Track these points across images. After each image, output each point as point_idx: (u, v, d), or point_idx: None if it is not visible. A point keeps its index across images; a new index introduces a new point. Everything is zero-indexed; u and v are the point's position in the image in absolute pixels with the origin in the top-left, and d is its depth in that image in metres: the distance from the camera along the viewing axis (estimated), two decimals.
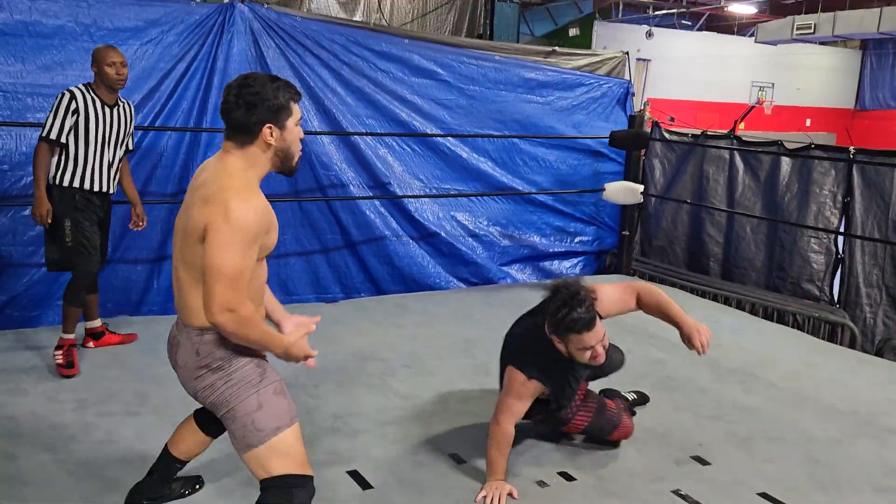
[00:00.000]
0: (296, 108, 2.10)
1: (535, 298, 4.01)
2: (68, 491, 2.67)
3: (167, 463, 2.56)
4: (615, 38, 17.31)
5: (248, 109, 2.00)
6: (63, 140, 3.61)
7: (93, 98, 3.68)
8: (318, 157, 5.37)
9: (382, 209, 5.72)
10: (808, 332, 5.24)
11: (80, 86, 3.69)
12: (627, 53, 7.09)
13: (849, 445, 3.33)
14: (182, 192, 4.93)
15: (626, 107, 6.72)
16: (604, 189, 6.28)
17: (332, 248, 5.61)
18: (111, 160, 3.81)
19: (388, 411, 3.51)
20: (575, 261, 6.73)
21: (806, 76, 20.99)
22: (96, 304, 4.10)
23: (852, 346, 5.06)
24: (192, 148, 4.93)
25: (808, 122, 21.23)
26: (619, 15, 19.27)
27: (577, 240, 6.69)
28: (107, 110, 3.73)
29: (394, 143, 5.74)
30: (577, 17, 18.25)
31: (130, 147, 4.00)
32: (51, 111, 3.62)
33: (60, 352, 3.75)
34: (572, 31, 17.99)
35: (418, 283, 5.86)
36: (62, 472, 2.80)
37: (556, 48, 6.89)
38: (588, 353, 2.67)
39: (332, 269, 5.64)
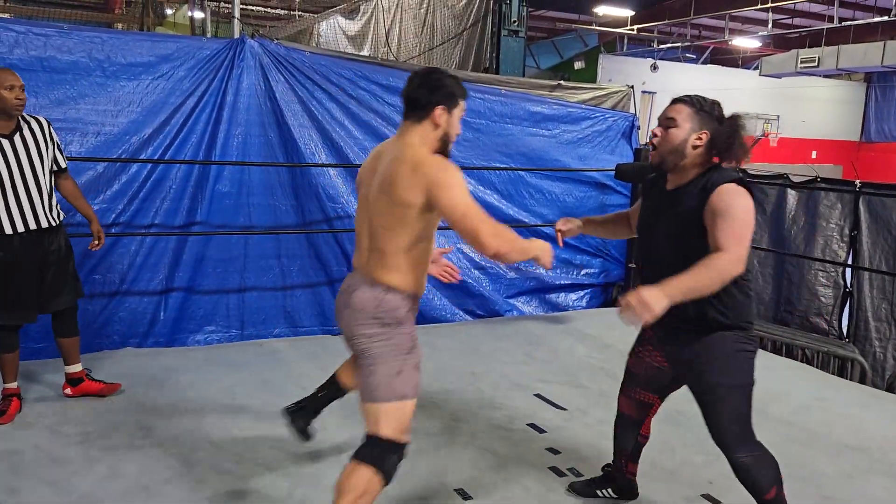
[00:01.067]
0: (462, 104, 2.49)
1: (541, 331, 3.99)
2: None
3: (335, 389, 3.06)
4: (620, 71, 17.48)
5: (429, 91, 2.39)
6: None
7: None
8: (325, 189, 5.40)
9: None
10: (817, 367, 5.19)
11: None
12: (632, 87, 7.14)
13: (861, 482, 3.28)
14: (191, 224, 4.96)
15: (631, 140, 6.76)
16: None
17: (339, 280, 5.61)
18: (32, 194, 3.43)
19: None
20: (581, 293, 6.72)
21: (811, 108, 21.09)
22: (75, 347, 3.81)
23: (862, 381, 5.01)
24: (201, 181, 4.97)
25: (813, 154, 21.28)
26: (624, 48, 19.48)
27: (583, 272, 6.68)
28: (4, 142, 3.36)
29: None
30: (583, 50, 18.48)
31: (62, 165, 3.63)
32: None
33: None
34: (577, 65, 18.20)
35: (424, 315, 5.85)
36: None
37: (562, 82, 6.96)
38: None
39: None
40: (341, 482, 2.33)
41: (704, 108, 2.47)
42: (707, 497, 3.10)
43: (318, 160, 5.34)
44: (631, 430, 2.90)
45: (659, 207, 2.57)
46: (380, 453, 2.34)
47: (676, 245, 2.46)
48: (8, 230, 3.39)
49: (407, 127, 2.42)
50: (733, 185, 2.36)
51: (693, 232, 2.39)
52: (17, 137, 3.42)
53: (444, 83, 2.42)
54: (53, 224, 3.56)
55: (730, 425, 2.50)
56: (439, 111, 2.39)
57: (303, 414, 3.07)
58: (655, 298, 2.17)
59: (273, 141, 5.21)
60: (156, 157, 4.76)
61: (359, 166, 5.46)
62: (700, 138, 2.45)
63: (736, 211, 2.30)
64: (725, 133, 2.43)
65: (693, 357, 2.51)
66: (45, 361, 4.35)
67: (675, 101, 2.53)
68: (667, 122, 2.50)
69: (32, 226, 3.46)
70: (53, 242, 3.59)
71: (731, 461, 2.53)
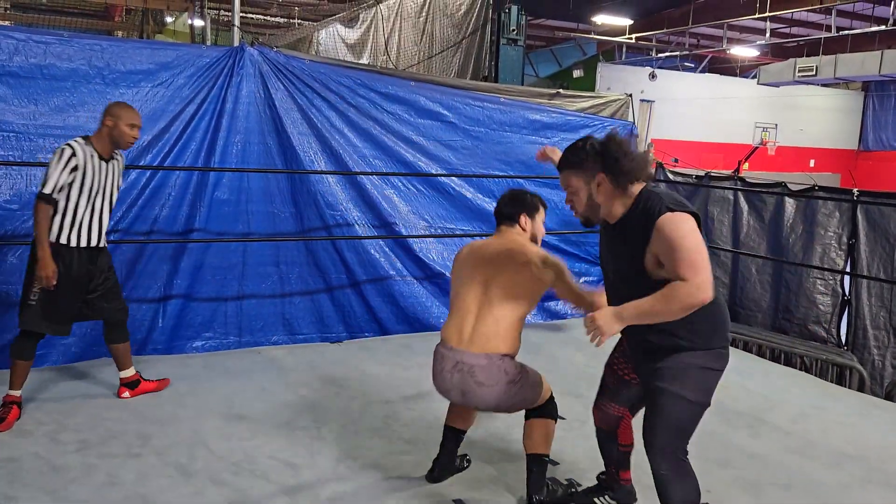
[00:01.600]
0: (542, 212, 3.19)
1: (539, 339, 3.99)
2: None
3: (453, 437, 3.20)
4: (619, 80, 17.54)
5: (514, 206, 3.13)
6: (55, 196, 3.53)
7: (91, 153, 3.62)
8: (324, 196, 5.41)
9: (387, 249, 5.74)
10: (815, 375, 5.19)
11: (80, 139, 3.63)
12: (631, 96, 7.17)
13: (859, 491, 3.28)
14: (190, 231, 4.97)
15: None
16: None
17: (337, 287, 5.62)
18: (101, 214, 3.73)
19: (391, 456, 3.47)
20: None
21: (809, 117, 21.15)
22: (128, 353, 4.01)
23: (861, 389, 5.01)
24: (200, 188, 4.98)
25: (811, 163, 21.33)
26: (623, 57, 19.54)
27: (582, 280, 6.68)
28: (103, 165, 3.68)
29: (399, 184, 5.79)
30: (581, 58, 18.54)
31: (114, 200, 3.88)
32: (50, 165, 3.53)
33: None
34: (576, 73, 18.25)
35: (423, 323, 5.85)
36: None
37: (561, 90, 6.98)
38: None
39: (336, 309, 5.64)
40: (531, 432, 3.00)
41: (584, 156, 2.49)
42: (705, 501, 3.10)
43: (317, 168, 5.35)
44: (608, 441, 2.93)
45: (610, 244, 2.60)
46: (553, 405, 3.09)
47: (628, 282, 2.47)
48: (73, 243, 3.64)
49: (503, 230, 3.13)
50: (668, 215, 2.31)
51: (642, 270, 2.39)
52: (111, 163, 3.75)
53: (525, 199, 3.16)
54: (104, 245, 3.84)
55: (662, 433, 2.47)
56: (523, 218, 3.11)
57: (445, 471, 3.26)
58: (608, 321, 2.32)
59: (272, 148, 5.22)
60: (155, 164, 4.76)
61: (357, 173, 5.51)
62: (599, 184, 2.47)
63: (681, 240, 2.28)
64: (611, 163, 2.42)
65: (657, 368, 2.50)
66: (42, 368, 4.34)
67: (559, 168, 2.61)
68: (568, 194, 2.57)
69: (94, 243, 3.73)
70: (103, 261, 3.85)
71: (653, 470, 2.49)
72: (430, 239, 5.88)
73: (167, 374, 4.38)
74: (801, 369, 5.32)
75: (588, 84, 17.41)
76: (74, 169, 3.55)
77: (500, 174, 6.12)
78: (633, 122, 6.94)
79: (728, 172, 7.40)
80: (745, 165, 16.33)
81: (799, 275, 5.67)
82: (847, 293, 5.39)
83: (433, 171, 5.84)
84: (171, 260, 4.95)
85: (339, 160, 5.45)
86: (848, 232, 5.38)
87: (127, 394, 3.99)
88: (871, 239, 5.23)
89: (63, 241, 3.61)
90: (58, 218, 3.59)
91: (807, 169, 20.10)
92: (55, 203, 3.56)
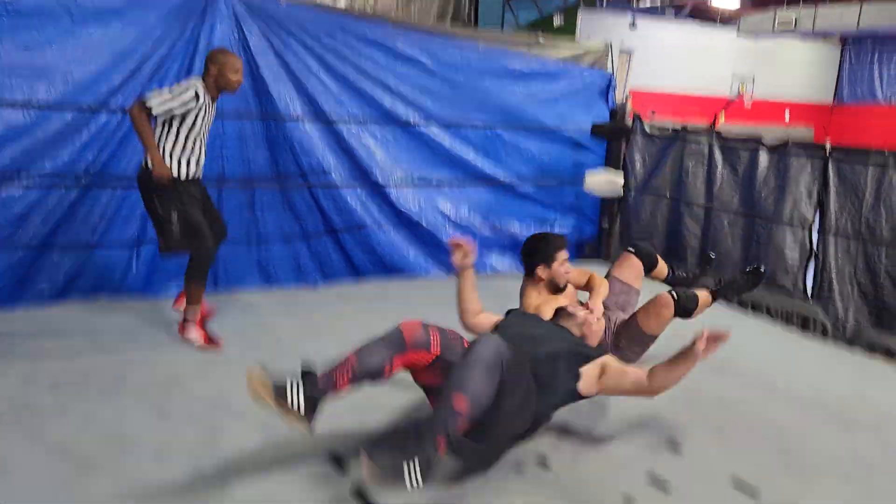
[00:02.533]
0: (560, 254, 3.66)
1: (515, 288, 4.06)
2: (45, 472, 2.68)
3: None
4: (599, 28, 17.30)
5: (529, 258, 3.72)
6: (160, 118, 3.82)
7: (205, 94, 3.92)
8: (300, 143, 5.35)
9: (364, 196, 5.72)
10: (780, 325, 5.34)
11: (200, 81, 3.92)
12: (610, 45, 7.11)
13: (818, 435, 3.42)
14: None
15: (608, 98, 6.76)
16: (585, 180, 6.32)
17: (314, 234, 5.61)
18: (202, 149, 4.07)
19: (368, 397, 3.53)
20: None
21: (786, 70, 21.14)
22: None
23: (824, 338, 5.16)
24: None
25: (787, 116, 21.44)
26: (604, 4, 19.27)
27: (557, 230, 6.74)
28: (212, 107, 4.03)
29: (377, 131, 5.74)
30: (562, 6, 18.24)
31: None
32: (170, 90, 3.82)
33: (195, 332, 4.00)
34: (556, 21, 17.97)
35: (399, 270, 5.88)
36: (37, 455, 2.79)
37: (541, 38, 6.90)
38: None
39: (312, 256, 5.64)
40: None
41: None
42: (670, 446, 3.21)
43: (292, 113, 5.27)
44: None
45: None
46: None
47: None
48: (193, 176, 4.01)
49: (526, 281, 3.74)
50: None
51: None
52: (214, 105, 4.09)
53: (538, 248, 3.64)
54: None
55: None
56: (540, 269, 3.63)
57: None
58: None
59: (246, 92, 5.12)
60: (125, 108, 4.66)
61: (335, 121, 5.44)
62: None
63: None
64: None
65: None
66: (12, 310, 4.32)
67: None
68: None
69: (200, 175, 4.10)
70: (204, 188, 4.18)
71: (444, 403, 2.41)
72: (407, 187, 5.87)
73: (143, 319, 4.39)
74: (767, 319, 5.46)
75: (568, 31, 17.18)
76: (192, 108, 3.85)
77: (478, 123, 6.09)
78: (612, 73, 6.92)
79: (704, 125, 7.42)
80: (722, 118, 16.37)
81: (769, 228, 5.76)
82: (815, 247, 5.49)
83: (411, 118, 5.79)
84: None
85: (316, 106, 5.38)
86: (819, 187, 5.46)
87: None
88: (840, 194, 5.31)
89: (182, 177, 3.93)
90: (176, 156, 3.90)
91: (782, 122, 20.19)
92: (148, 116, 3.78)
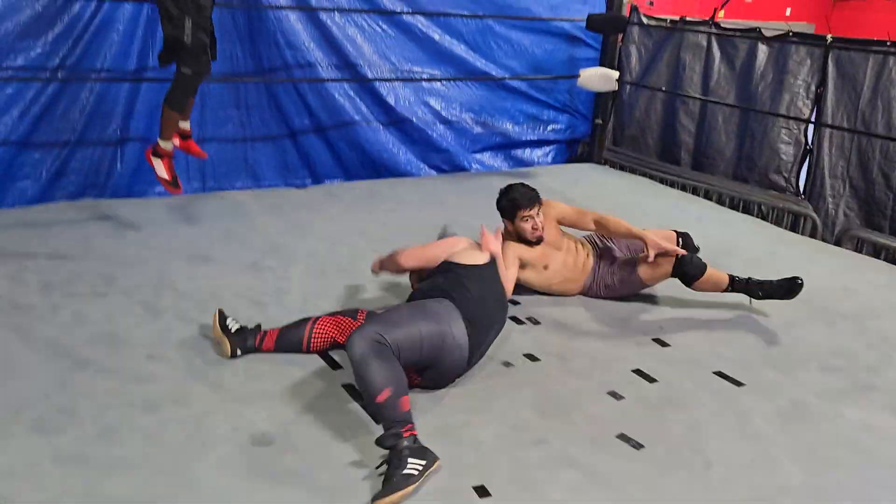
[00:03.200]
0: (522, 213, 3.45)
1: (503, 183, 3.99)
2: (37, 370, 2.70)
3: None
4: None
5: (498, 208, 3.61)
6: None
7: None
8: (284, 35, 5.15)
9: (352, 93, 5.57)
10: (771, 222, 5.34)
11: None
12: None
13: (801, 328, 3.48)
14: (144, 68, 4.73)
15: None
16: (579, 75, 6.15)
17: (300, 131, 5.49)
18: None
19: (358, 292, 3.55)
20: (547, 149, 6.69)
21: None
22: (191, 106, 4.03)
23: (813, 235, 5.19)
24: (152, 22, 4.69)
25: (787, 11, 20.79)
26: None
27: (550, 128, 6.62)
28: None
29: (363, 23, 5.51)
30: None
31: None
32: None
33: (162, 164, 3.79)
34: None
35: (389, 169, 5.81)
36: (30, 352, 2.81)
37: None
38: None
39: (300, 154, 5.54)
40: None
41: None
42: (657, 340, 3.26)
43: (275, 2, 5.04)
44: None
45: None
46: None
47: None
48: None
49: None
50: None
51: None
52: None
53: (500, 201, 3.54)
54: None
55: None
56: (506, 222, 3.54)
57: None
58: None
59: None
60: None
61: (318, 9, 5.20)
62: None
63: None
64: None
65: None
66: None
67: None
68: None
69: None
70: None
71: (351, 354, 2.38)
72: (396, 83, 5.70)
73: (130, 218, 4.34)
74: (758, 217, 5.46)
75: None
76: None
77: (469, 13, 5.85)
78: None
79: (703, 19, 7.17)
80: (721, 13, 15.86)
81: (764, 124, 5.67)
82: (810, 142, 5.43)
83: (398, 9, 5.56)
84: (125, 101, 4.76)
85: None
86: (817, 80, 5.34)
87: (177, 141, 3.97)
88: (838, 87, 5.20)
89: None
90: None
91: (783, 18, 19.62)
92: None
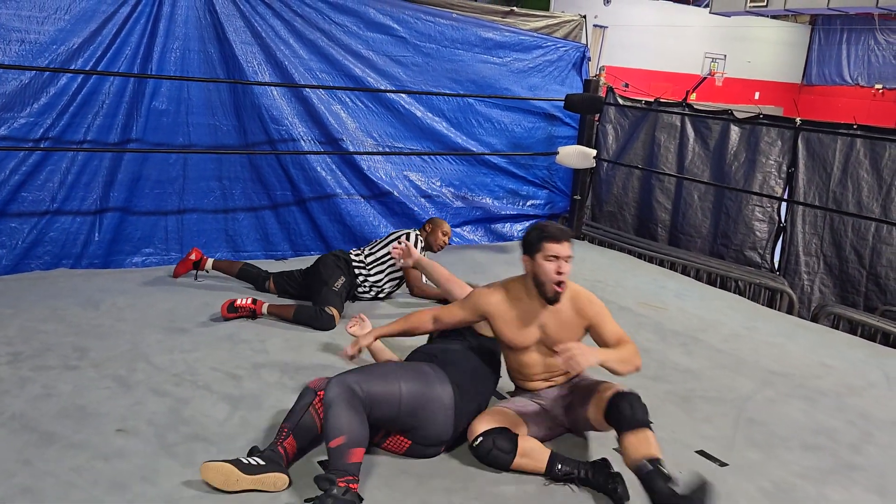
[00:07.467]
0: (546, 246, 2.73)
1: (485, 260, 4.01)
2: (3, 445, 2.59)
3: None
4: (573, 3, 17.23)
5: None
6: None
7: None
8: (268, 110, 5.24)
9: (334, 166, 5.63)
10: (748, 298, 5.40)
11: None
12: (584, 17, 7.06)
13: (782, 406, 3.46)
14: (126, 141, 4.77)
15: (581, 71, 6.72)
16: (557, 152, 6.29)
17: (282, 204, 5.51)
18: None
19: (337, 367, 3.49)
20: (527, 223, 6.77)
21: (757, 49, 21.29)
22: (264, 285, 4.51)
23: (790, 311, 5.24)
24: (137, 97, 4.76)
25: (756, 96, 21.61)
26: None
27: (529, 203, 6.72)
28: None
29: (347, 99, 5.63)
30: None
31: None
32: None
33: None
34: None
35: (369, 241, 5.81)
36: None
37: (515, 8, 6.82)
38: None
39: (281, 226, 5.55)
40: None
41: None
42: None
43: (260, 79, 5.15)
44: None
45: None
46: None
47: None
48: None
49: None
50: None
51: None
52: None
53: (527, 235, 2.84)
54: None
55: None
56: (524, 258, 2.84)
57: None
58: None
59: (213, 57, 4.99)
60: (87, 69, 4.50)
61: (304, 86, 5.32)
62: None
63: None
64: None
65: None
66: None
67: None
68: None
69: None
70: None
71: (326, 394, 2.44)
72: (378, 157, 5.79)
73: (106, 289, 4.28)
74: (735, 292, 5.52)
75: (542, 4, 17.07)
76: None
77: (451, 93, 6.01)
78: (586, 45, 6.87)
79: (677, 101, 7.43)
80: (693, 95, 16.45)
81: (738, 202, 5.81)
82: (783, 220, 5.55)
83: (382, 87, 5.69)
84: (106, 171, 4.76)
85: (285, 72, 5.26)
86: (788, 160, 5.51)
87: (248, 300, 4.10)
88: (809, 168, 5.37)
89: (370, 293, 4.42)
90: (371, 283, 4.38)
91: (752, 101, 20.37)
92: None
